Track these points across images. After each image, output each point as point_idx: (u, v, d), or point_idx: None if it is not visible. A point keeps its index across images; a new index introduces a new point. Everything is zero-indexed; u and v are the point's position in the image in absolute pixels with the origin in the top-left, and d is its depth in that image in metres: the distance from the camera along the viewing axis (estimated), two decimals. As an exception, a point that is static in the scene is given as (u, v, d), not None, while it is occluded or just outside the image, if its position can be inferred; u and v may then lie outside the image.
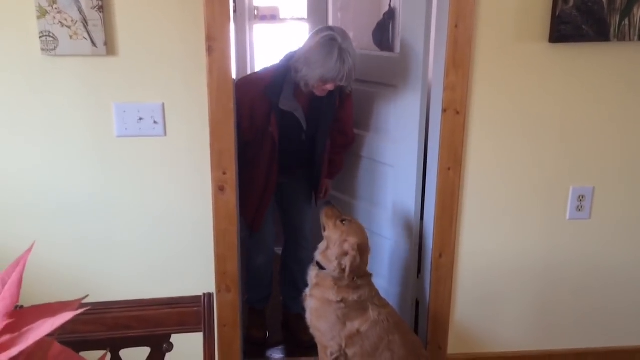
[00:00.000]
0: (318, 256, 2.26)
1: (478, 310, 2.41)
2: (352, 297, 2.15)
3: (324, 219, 2.28)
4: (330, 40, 2.28)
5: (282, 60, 2.50)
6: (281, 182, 2.68)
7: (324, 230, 2.26)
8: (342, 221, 2.22)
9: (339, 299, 2.14)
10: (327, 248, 2.22)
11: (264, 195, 2.60)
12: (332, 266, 2.17)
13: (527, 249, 2.34)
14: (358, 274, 2.17)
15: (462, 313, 2.41)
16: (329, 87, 2.35)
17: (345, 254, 2.14)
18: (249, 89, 2.42)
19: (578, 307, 2.45)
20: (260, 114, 2.44)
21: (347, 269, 2.12)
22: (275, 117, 2.44)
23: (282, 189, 2.74)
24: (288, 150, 2.57)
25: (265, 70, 2.57)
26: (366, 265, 2.24)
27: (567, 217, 2.31)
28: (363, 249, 2.18)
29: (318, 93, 2.42)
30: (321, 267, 2.23)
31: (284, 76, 2.44)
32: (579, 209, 2.30)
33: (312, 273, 2.27)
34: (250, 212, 2.62)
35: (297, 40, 4.44)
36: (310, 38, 2.37)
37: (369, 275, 2.24)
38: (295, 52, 2.44)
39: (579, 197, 2.29)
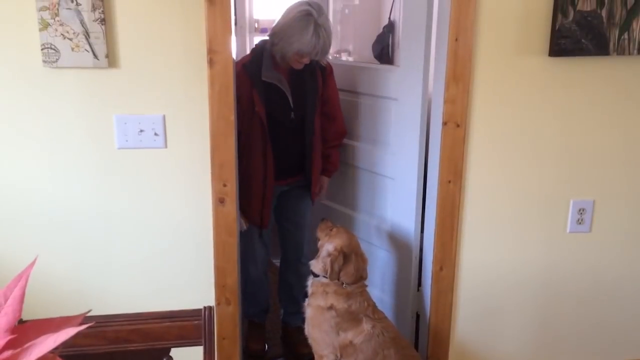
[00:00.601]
0: (312, 264, 2.34)
1: (479, 324, 2.40)
2: (342, 305, 2.18)
3: (317, 233, 2.39)
4: (306, 15, 2.34)
5: (258, 43, 2.57)
6: (279, 190, 2.65)
7: (318, 242, 2.36)
8: (331, 229, 2.33)
9: (328, 305, 2.18)
10: (319, 255, 2.32)
11: (266, 186, 2.55)
12: (318, 268, 2.27)
13: (527, 262, 2.34)
14: (347, 280, 2.22)
15: (462, 326, 2.39)
16: (305, 60, 2.43)
17: (329, 255, 2.22)
18: None
19: (579, 321, 2.44)
20: (244, 94, 2.41)
21: (328, 268, 2.19)
22: (258, 94, 2.43)
23: (280, 203, 2.72)
24: (279, 137, 2.53)
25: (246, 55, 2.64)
26: (358, 272, 2.25)
27: (568, 230, 2.31)
28: (348, 253, 2.24)
29: (295, 66, 2.47)
30: (315, 275, 2.31)
31: (261, 52, 2.49)
32: (580, 222, 2.30)
33: (309, 282, 2.35)
34: (255, 208, 2.58)
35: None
36: (287, 12, 2.42)
37: (362, 285, 2.25)
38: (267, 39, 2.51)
39: (580, 210, 2.29)
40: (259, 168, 2.52)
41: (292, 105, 2.54)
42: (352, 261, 2.24)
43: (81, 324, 0.64)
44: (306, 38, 2.33)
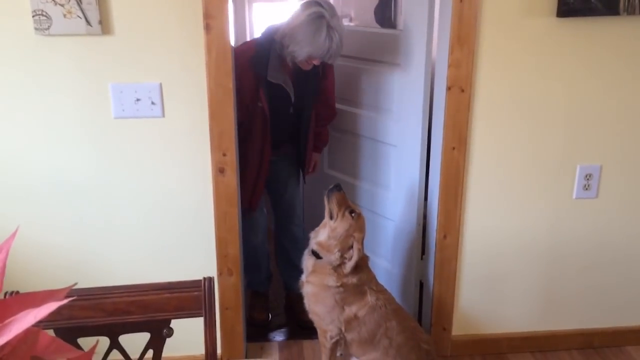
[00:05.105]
0: (315, 245, 2.17)
1: (483, 291, 2.39)
2: (352, 280, 2.11)
3: (334, 206, 2.14)
4: (318, 17, 2.24)
5: (264, 34, 2.46)
6: (269, 160, 2.63)
7: (331, 219, 2.14)
8: (351, 212, 2.11)
9: (338, 284, 2.10)
10: (329, 238, 2.12)
11: (260, 173, 2.55)
12: (333, 257, 2.11)
13: (533, 229, 2.31)
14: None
15: (466, 294, 2.38)
16: (316, 62, 2.36)
17: (351, 247, 2.09)
18: (234, 62, 2.33)
19: (584, 287, 2.42)
20: (248, 88, 2.37)
21: (353, 263, 2.08)
22: (263, 91, 2.40)
23: (270, 169, 2.69)
24: (276, 125, 2.52)
25: (248, 42, 2.54)
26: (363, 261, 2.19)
27: (574, 196, 2.27)
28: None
29: (304, 68, 2.41)
30: (317, 256, 2.16)
31: (268, 49, 2.40)
32: (586, 187, 2.26)
33: (309, 262, 2.20)
34: (246, 192, 2.56)
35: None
36: (298, 13, 2.32)
37: (366, 258, 2.21)
38: (277, 26, 2.40)
39: (586, 175, 2.24)
40: (255, 159, 2.51)
41: (293, 101, 2.55)
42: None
43: (66, 297, 0.61)
44: (319, 42, 2.23)
